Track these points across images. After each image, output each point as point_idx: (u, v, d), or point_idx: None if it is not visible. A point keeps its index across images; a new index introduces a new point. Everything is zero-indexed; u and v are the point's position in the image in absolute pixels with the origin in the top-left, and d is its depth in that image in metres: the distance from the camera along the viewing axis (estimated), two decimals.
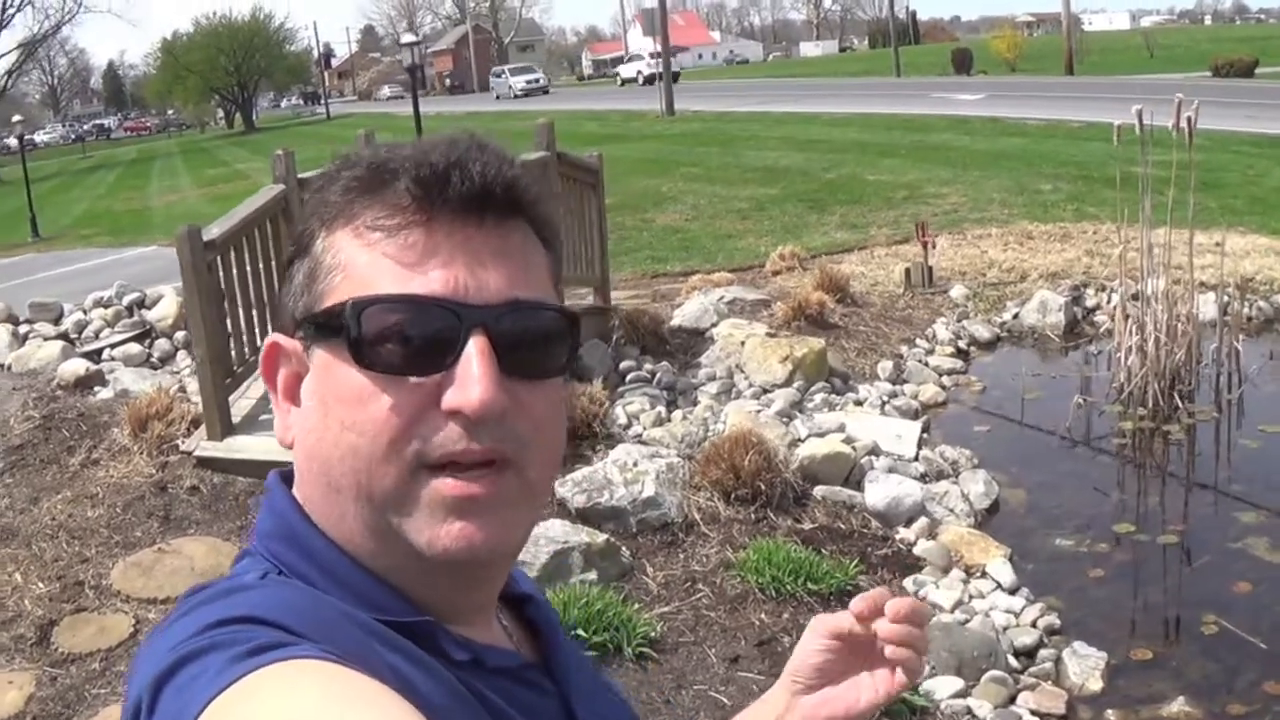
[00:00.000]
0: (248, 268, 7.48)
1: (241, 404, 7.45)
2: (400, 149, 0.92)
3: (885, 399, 7.68)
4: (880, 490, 5.95)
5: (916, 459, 6.65)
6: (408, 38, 18.07)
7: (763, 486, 5.72)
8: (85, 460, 7.72)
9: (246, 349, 7.49)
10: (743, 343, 7.82)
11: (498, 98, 63.13)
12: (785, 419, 6.88)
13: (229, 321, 7.30)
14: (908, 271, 10.35)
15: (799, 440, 6.50)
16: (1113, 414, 7.67)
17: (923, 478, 6.48)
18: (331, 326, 0.89)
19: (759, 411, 6.99)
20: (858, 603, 1.09)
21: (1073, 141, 19.27)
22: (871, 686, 1.12)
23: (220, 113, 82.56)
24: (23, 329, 9.96)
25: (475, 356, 0.86)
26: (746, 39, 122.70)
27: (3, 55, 59.67)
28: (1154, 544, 5.83)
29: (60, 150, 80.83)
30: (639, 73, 67.46)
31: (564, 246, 8.39)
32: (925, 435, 7.10)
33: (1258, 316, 9.57)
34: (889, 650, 1.08)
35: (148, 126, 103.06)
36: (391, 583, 0.91)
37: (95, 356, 9.41)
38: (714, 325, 8.55)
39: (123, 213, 27.83)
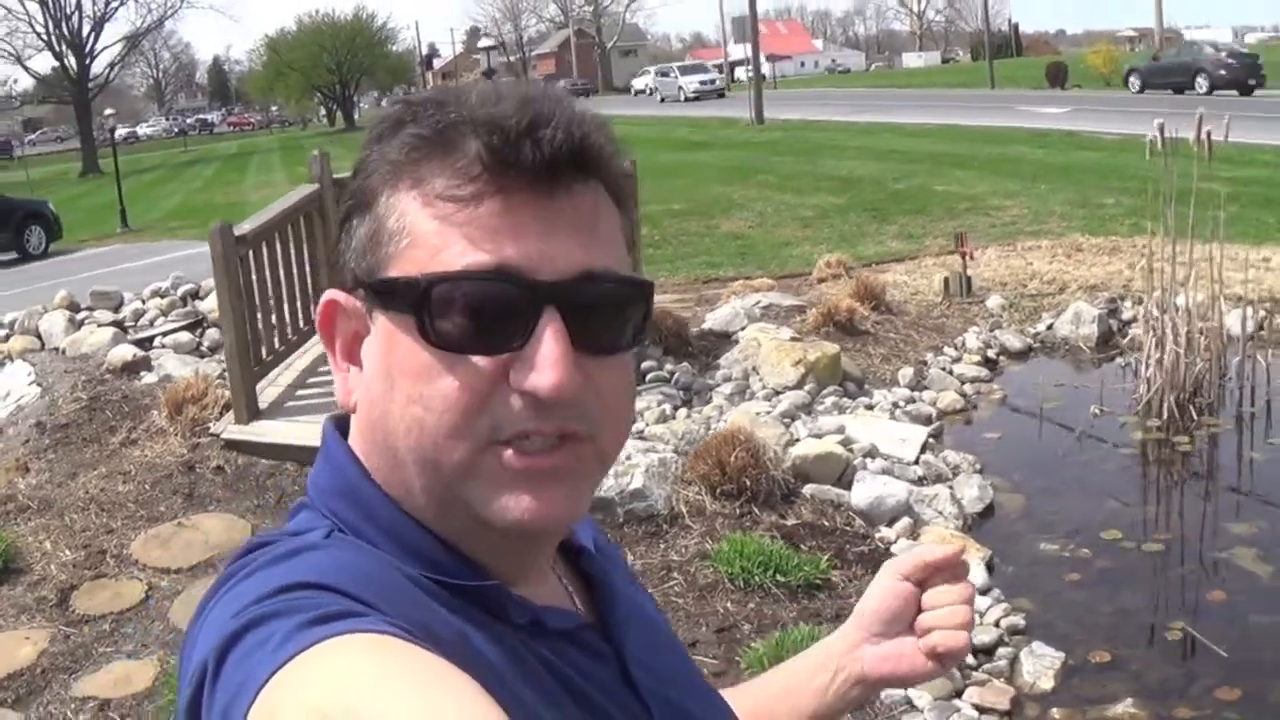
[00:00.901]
0: (279, 262, 7.80)
1: (270, 391, 7.76)
2: (468, 104, 0.88)
3: (899, 404, 7.76)
4: (865, 490, 6.05)
5: (916, 462, 6.74)
6: (484, 42, 18.41)
7: (748, 482, 5.87)
8: (124, 440, 8.09)
9: (277, 339, 7.82)
10: (760, 346, 7.95)
11: (662, 100, 57.70)
12: (787, 419, 7.01)
13: (260, 313, 7.60)
14: (946, 281, 10.41)
15: (796, 440, 6.63)
16: (1128, 424, 7.69)
17: (920, 480, 6.57)
18: (398, 296, 0.86)
19: (767, 411, 7.13)
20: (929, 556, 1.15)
21: (1142, 156, 19.04)
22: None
23: (323, 110, 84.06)
24: (81, 315, 10.43)
25: (549, 337, 0.84)
26: (850, 48, 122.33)
27: (105, 48, 61.39)
28: (1139, 551, 5.86)
29: (163, 143, 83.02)
30: (648, 87, 65.34)
31: None
32: (932, 440, 7.16)
33: None
34: (938, 639, 1.12)
35: (250, 122, 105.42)
36: (454, 545, 0.90)
37: (147, 344, 9.80)
38: (742, 329, 8.69)
39: (216, 206, 28.53)
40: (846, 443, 6.62)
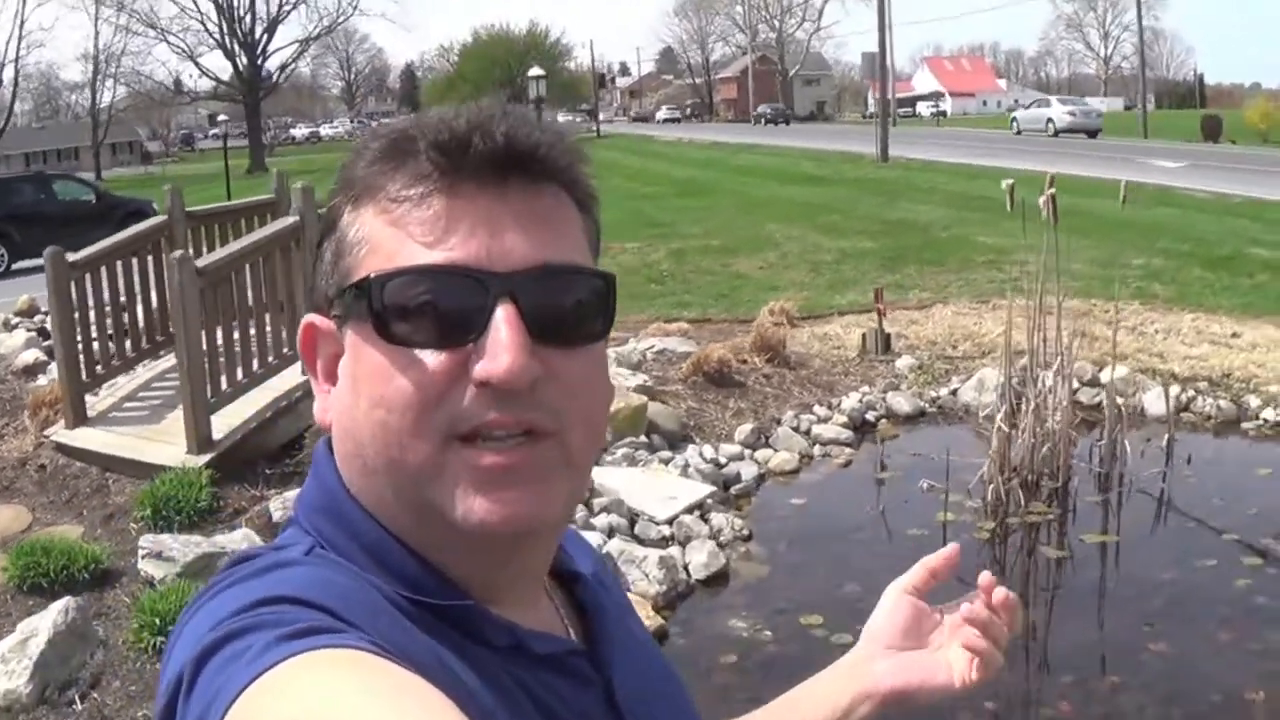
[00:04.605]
0: (120, 284, 8.24)
1: (106, 400, 8.04)
2: (424, 117, 0.91)
3: (708, 461, 7.55)
4: None
5: (670, 522, 6.56)
6: (534, 71, 18.51)
7: None
8: None
9: (113, 353, 8.15)
10: None
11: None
12: None
13: (95, 328, 7.98)
14: (864, 337, 10.10)
15: None
16: (947, 504, 7.29)
17: (664, 541, 6.42)
18: (357, 302, 0.87)
19: None
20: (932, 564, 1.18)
21: (1219, 217, 18.30)
22: (948, 669, 1.14)
23: None
24: (14, 319, 11.04)
25: (502, 325, 0.84)
26: (1037, 90, 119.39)
27: (278, 50, 63.79)
28: (826, 641, 5.53)
29: (343, 144, 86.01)
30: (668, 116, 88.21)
31: None
32: (710, 502, 6.95)
33: (1218, 415, 8.88)
34: (966, 638, 1.11)
35: None
36: (433, 561, 0.90)
37: None
38: None
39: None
40: (588, 496, 6.48)
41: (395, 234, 0.86)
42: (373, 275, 0.86)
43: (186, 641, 0.79)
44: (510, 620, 0.91)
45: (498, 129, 0.86)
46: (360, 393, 0.87)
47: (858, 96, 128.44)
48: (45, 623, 4.97)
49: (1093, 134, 45.84)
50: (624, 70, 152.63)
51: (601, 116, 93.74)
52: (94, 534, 6.53)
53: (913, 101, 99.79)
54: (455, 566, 0.90)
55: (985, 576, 1.14)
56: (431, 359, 0.84)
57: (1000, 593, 1.12)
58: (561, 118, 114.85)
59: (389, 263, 0.86)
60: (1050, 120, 48.28)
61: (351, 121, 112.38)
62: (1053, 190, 7.53)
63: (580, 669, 0.96)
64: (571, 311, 0.88)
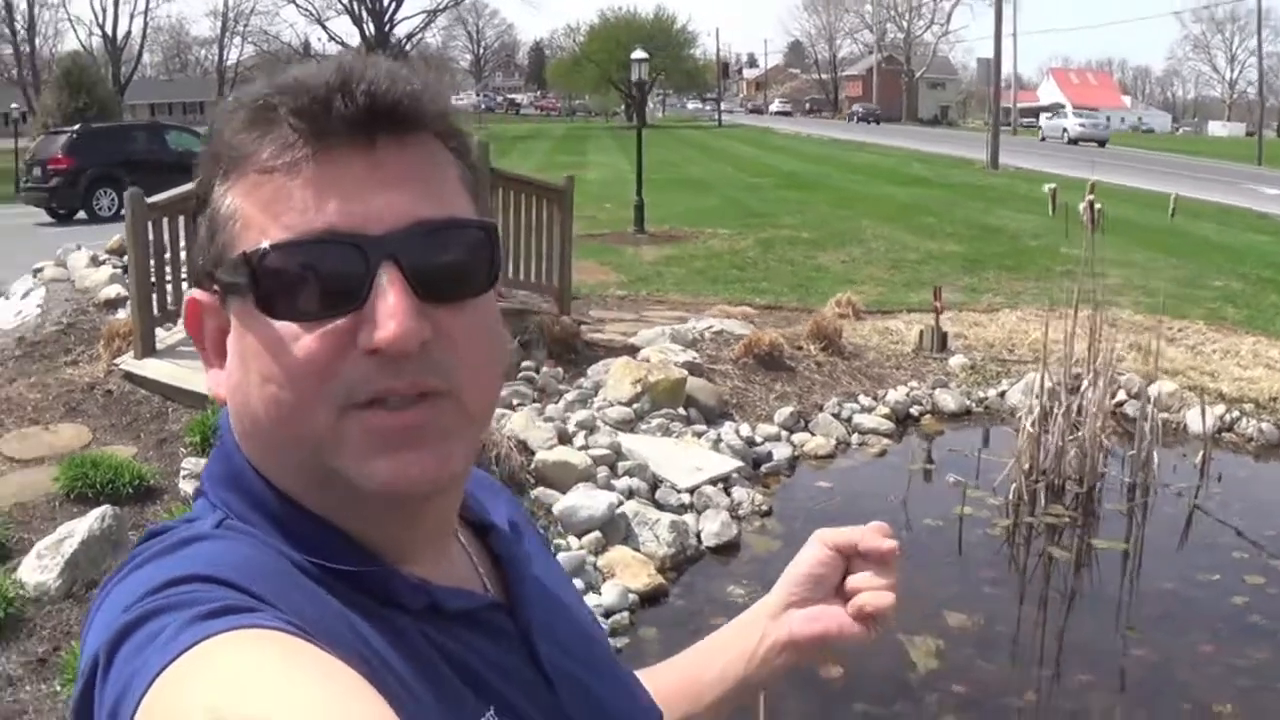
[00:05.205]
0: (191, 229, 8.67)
1: (177, 335, 8.49)
2: (281, 81, 0.87)
3: (735, 438, 7.77)
4: (570, 499, 6.23)
5: (692, 492, 6.82)
6: (637, 54, 18.50)
7: None
8: (69, 360, 9.02)
9: (184, 292, 8.65)
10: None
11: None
12: (583, 430, 7.17)
13: (169, 268, 8.43)
14: (921, 334, 10.24)
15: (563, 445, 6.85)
16: (970, 499, 7.44)
17: (682, 508, 6.67)
18: (235, 279, 0.85)
19: (587, 419, 7.32)
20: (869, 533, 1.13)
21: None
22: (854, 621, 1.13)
23: (622, 106, 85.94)
24: (103, 256, 11.64)
25: (388, 290, 0.81)
26: (1162, 109, 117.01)
27: (404, 19, 64.42)
28: None
29: (470, 116, 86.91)
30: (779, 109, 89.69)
31: (521, 254, 9.03)
32: (737, 476, 7.19)
33: (1259, 438, 8.87)
34: (867, 598, 1.11)
35: (556, 108, 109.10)
36: (338, 527, 0.88)
37: None
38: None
39: None
40: (614, 458, 6.75)
41: (268, 206, 0.84)
42: (243, 252, 0.83)
43: (100, 624, 0.79)
44: (423, 578, 0.90)
45: (358, 86, 0.83)
46: (250, 369, 0.86)
47: (983, 103, 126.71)
48: (82, 527, 5.38)
49: (1101, 143, 50.85)
50: (751, 62, 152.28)
51: (724, 107, 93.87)
52: (146, 455, 6.97)
53: (1036, 112, 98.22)
54: (363, 531, 0.89)
55: (877, 528, 1.14)
56: (318, 331, 0.83)
57: (889, 544, 1.12)
58: (691, 105, 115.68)
59: (264, 236, 0.83)
60: (1065, 130, 55.32)
61: (477, 95, 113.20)
62: (1092, 197, 7.62)
63: (498, 622, 0.95)
64: (454, 266, 0.86)
